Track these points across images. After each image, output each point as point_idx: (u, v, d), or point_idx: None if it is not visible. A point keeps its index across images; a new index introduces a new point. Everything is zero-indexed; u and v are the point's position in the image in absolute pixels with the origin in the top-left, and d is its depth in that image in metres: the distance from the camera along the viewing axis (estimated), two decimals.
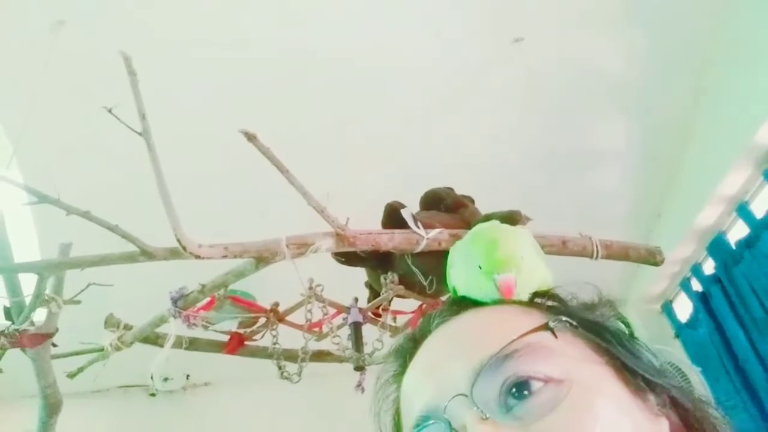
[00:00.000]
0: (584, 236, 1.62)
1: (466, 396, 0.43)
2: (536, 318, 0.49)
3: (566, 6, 2.26)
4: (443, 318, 0.54)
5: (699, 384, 2.13)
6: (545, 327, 0.46)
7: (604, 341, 0.48)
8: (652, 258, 1.71)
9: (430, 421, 0.46)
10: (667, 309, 3.06)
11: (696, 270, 2.76)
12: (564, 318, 0.48)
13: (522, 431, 0.41)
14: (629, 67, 2.47)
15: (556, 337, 0.45)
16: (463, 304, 0.56)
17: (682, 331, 2.89)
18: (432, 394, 0.47)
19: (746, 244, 2.36)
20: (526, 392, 0.43)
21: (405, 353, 0.55)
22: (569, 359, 0.45)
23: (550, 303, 0.54)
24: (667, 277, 2.95)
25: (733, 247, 2.46)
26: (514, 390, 0.43)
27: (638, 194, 2.90)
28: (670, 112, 2.61)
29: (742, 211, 2.42)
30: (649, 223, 2.95)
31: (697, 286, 2.75)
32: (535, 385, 0.43)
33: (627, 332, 0.52)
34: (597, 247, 1.59)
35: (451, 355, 0.48)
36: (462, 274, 0.61)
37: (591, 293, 0.54)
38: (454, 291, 0.61)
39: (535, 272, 0.58)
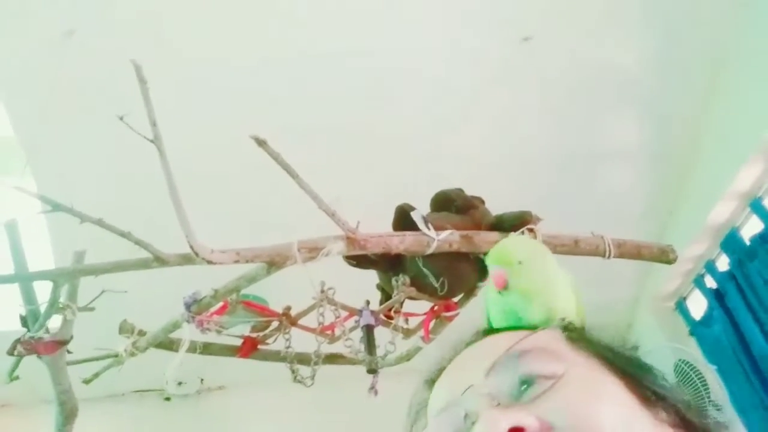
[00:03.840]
0: (596, 235, 1.61)
1: (480, 386, 0.48)
2: (553, 337, 0.53)
3: (579, 5, 2.25)
4: (470, 342, 0.58)
5: (715, 382, 2.12)
6: (549, 327, 0.52)
7: (614, 356, 0.52)
8: (664, 256, 1.70)
9: (448, 410, 0.50)
10: (681, 307, 3.04)
11: (710, 267, 2.74)
12: (570, 325, 0.54)
13: (525, 411, 0.45)
14: (641, 65, 2.46)
15: (561, 334, 0.51)
16: (489, 331, 0.60)
17: (696, 328, 2.87)
18: (450, 388, 0.52)
19: (760, 239, 2.35)
20: (532, 385, 0.47)
21: (436, 374, 0.59)
22: (575, 361, 0.49)
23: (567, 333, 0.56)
24: (681, 275, 2.93)
25: (747, 243, 2.44)
26: (523, 386, 0.47)
27: (651, 192, 2.89)
28: (681, 109, 2.60)
29: (756, 206, 2.40)
30: (662, 220, 2.93)
31: (711, 283, 2.74)
32: (540, 379, 0.47)
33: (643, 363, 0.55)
34: (609, 246, 1.59)
35: (470, 360, 0.54)
36: None
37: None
38: (488, 321, 0.64)
39: (539, 281, 0.60)
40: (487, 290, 0.65)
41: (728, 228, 2.59)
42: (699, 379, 2.14)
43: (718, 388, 2.11)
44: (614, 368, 0.50)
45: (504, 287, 0.59)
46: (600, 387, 0.47)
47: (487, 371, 0.48)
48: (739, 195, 2.46)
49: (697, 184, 2.71)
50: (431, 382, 0.57)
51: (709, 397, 2.09)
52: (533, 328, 0.56)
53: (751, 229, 2.48)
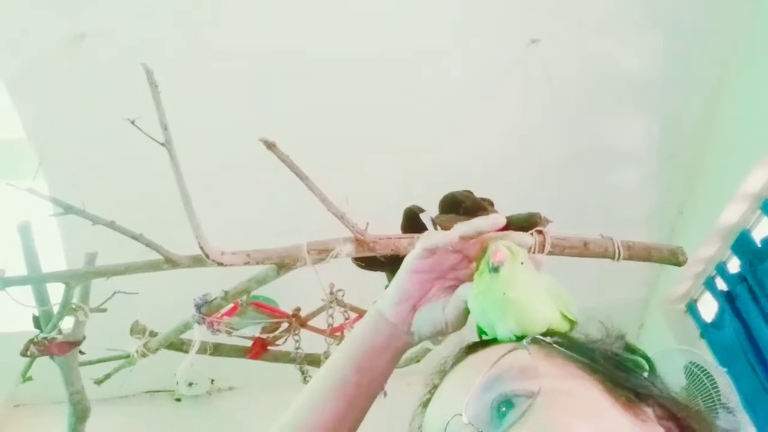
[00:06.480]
0: (606, 237, 1.60)
1: (461, 415, 0.49)
2: (526, 353, 0.53)
3: (585, 7, 2.25)
4: (455, 362, 0.59)
5: (726, 385, 2.11)
6: (520, 347, 0.52)
7: (590, 360, 0.53)
8: (674, 258, 1.69)
9: None
10: (692, 309, 3.02)
11: (720, 269, 2.72)
12: (541, 338, 0.54)
13: None
14: (649, 66, 2.45)
15: (529, 353, 0.51)
16: (472, 348, 0.60)
17: (707, 331, 2.85)
18: (437, 418, 0.54)
19: None
20: (510, 407, 0.48)
21: (432, 387, 0.60)
22: (548, 374, 0.50)
23: (549, 339, 0.57)
24: (692, 277, 2.91)
25: (759, 245, 2.42)
26: (502, 408, 0.48)
27: (661, 193, 2.87)
28: (691, 110, 2.59)
29: (767, 208, 2.38)
30: (672, 222, 2.91)
31: (722, 285, 2.72)
32: (517, 400, 0.48)
33: (630, 357, 0.55)
34: (619, 248, 1.57)
35: (454, 385, 0.56)
36: None
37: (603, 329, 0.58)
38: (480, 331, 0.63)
39: (525, 288, 0.58)
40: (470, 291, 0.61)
41: (739, 230, 2.57)
42: (710, 381, 2.12)
43: (729, 391, 2.09)
44: (592, 371, 0.52)
45: (499, 263, 0.56)
46: (576, 400, 0.49)
47: (466, 400, 0.50)
48: (750, 196, 2.44)
49: (707, 185, 2.69)
50: (425, 405, 0.59)
51: (720, 400, 2.08)
52: (511, 339, 0.56)
53: (762, 230, 2.46)
